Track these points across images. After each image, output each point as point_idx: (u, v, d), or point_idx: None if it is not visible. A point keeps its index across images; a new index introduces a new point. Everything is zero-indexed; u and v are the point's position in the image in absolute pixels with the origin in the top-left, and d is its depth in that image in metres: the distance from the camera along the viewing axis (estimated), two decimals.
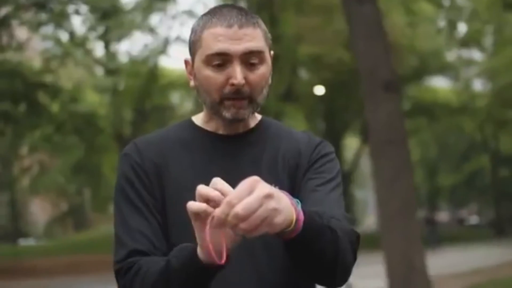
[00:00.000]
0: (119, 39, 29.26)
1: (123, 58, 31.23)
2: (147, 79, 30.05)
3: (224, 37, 1.91)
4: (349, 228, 1.88)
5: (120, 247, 1.91)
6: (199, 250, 1.68)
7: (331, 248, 1.75)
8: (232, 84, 1.91)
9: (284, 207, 1.56)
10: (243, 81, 1.91)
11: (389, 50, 10.18)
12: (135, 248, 1.88)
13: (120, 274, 1.87)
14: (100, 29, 28.02)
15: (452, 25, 27.41)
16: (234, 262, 1.76)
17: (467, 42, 32.27)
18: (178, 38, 30.72)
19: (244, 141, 2.03)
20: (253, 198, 1.49)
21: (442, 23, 28.21)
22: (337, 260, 1.78)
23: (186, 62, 2.06)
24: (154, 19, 43.06)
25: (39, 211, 51.56)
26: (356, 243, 1.89)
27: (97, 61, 29.96)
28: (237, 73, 1.90)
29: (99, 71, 31.28)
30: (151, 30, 30.08)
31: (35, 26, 26.59)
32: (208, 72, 1.95)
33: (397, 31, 25.00)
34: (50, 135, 29.17)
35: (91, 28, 28.03)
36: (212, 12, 1.98)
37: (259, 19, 2.00)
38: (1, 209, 48.86)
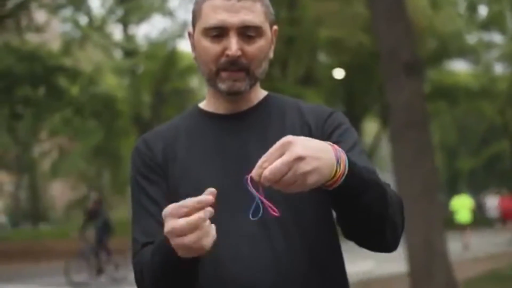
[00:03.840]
0: (138, 22, 29.27)
1: (141, 42, 31.25)
2: (165, 62, 30.05)
3: (221, 9, 1.90)
4: (394, 191, 1.84)
5: (133, 243, 1.94)
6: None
7: (380, 204, 1.72)
8: (228, 55, 1.90)
9: (321, 165, 1.56)
10: (238, 53, 1.90)
11: (410, 32, 10.07)
12: (145, 242, 1.90)
13: (135, 270, 1.90)
14: (119, 12, 28.02)
15: (473, 8, 27.19)
16: (251, 246, 1.82)
17: (488, 25, 32.01)
18: None
19: (247, 119, 2.00)
20: (281, 162, 1.52)
21: (463, 5, 27.99)
22: (386, 218, 1.75)
23: (189, 34, 2.05)
24: (173, 2, 42.98)
25: (59, 194, 51.80)
26: (403, 207, 1.86)
27: (116, 44, 29.96)
28: (233, 44, 1.89)
29: (118, 54, 31.30)
30: (170, 13, 30.07)
31: (54, 9, 26.63)
32: (205, 43, 1.94)
33: (418, 12, 24.79)
34: (70, 118, 29.26)
35: (110, 11, 28.04)
36: None
37: None
38: (21, 193, 49.19)
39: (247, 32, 1.91)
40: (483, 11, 30.34)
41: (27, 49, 24.12)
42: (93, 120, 30.59)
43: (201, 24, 1.95)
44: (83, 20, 28.31)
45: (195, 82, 36.32)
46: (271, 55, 2.02)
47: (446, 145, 48.81)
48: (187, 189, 1.89)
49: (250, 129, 1.97)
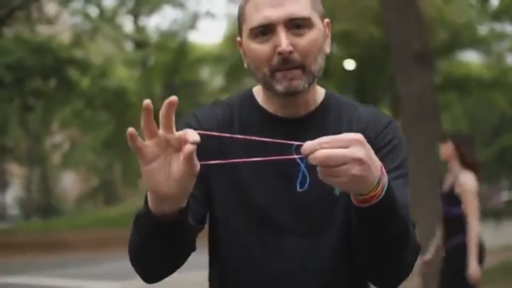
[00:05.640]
0: (149, 13, 29.26)
1: (152, 33, 31.26)
2: (176, 54, 30.05)
3: (264, 6, 1.80)
4: (415, 234, 1.80)
5: None
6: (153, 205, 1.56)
7: (397, 241, 1.69)
8: (279, 53, 1.78)
9: (369, 177, 1.51)
10: (289, 48, 1.77)
11: (421, 23, 10.04)
12: None
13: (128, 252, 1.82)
14: (130, 3, 28.02)
15: None
16: (298, 264, 1.83)
17: (499, 15, 31.83)
18: (207, 13, 30.67)
19: (305, 124, 1.89)
20: (343, 154, 1.46)
21: None
22: (397, 255, 1.72)
23: (238, 42, 1.94)
24: None
25: (70, 186, 51.99)
26: (418, 254, 1.82)
27: (127, 36, 29.98)
28: (282, 39, 1.77)
29: (129, 46, 31.32)
30: (180, 5, 30.06)
31: (64, 1, 26.65)
32: (254, 46, 1.83)
33: (429, 3, 24.70)
34: (81, 110, 29.31)
35: (121, 3, 28.04)
36: None
37: None
38: (33, 185, 49.36)
39: (295, 25, 1.80)
40: (494, 1, 30.15)
41: (38, 41, 24.15)
42: (104, 112, 30.66)
43: (247, 27, 1.84)
44: (93, 12, 28.32)
45: (206, 73, 36.34)
46: (328, 50, 1.92)
47: None
48: (227, 190, 1.88)
49: (306, 135, 1.73)
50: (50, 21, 25.47)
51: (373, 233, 1.66)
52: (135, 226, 1.65)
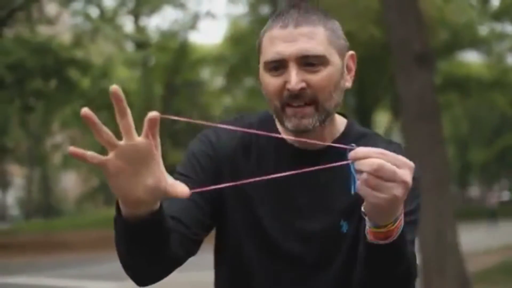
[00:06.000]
0: (149, 13, 29.28)
1: (153, 34, 31.27)
2: (177, 54, 30.07)
3: (278, 40, 1.75)
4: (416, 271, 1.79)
5: None
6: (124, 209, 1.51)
7: (399, 282, 1.69)
8: (288, 89, 1.73)
9: (397, 209, 1.50)
10: (298, 86, 1.72)
11: (421, 23, 10.03)
12: None
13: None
14: (130, 4, 28.03)
15: None
16: (280, 286, 1.85)
17: (500, 15, 31.83)
18: (208, 13, 30.69)
19: (321, 156, 1.80)
20: (394, 170, 1.43)
21: None
22: None
23: (259, 68, 1.88)
24: None
25: (71, 186, 51.99)
26: None
27: (127, 36, 30.02)
28: (292, 77, 1.72)
29: (129, 46, 31.34)
30: (181, 5, 30.07)
31: (65, 2, 26.66)
32: (267, 78, 1.79)
33: (430, 3, 24.71)
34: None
35: (121, 3, 28.05)
36: (276, 13, 1.83)
37: (327, 17, 1.83)
38: (33, 185, 49.37)
39: (308, 62, 1.74)
40: (495, 1, 30.17)
41: (38, 41, 24.16)
42: (104, 113, 30.67)
43: (262, 59, 1.80)
44: (94, 12, 28.34)
45: (206, 73, 36.36)
46: (348, 84, 1.85)
47: (457, 137, 48.70)
48: (238, 209, 1.87)
49: (316, 175, 1.70)
50: (50, 21, 25.48)
51: (380, 272, 1.66)
52: (114, 229, 1.62)
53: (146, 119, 1.33)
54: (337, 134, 1.89)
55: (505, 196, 56.15)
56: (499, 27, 34.68)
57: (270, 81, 1.77)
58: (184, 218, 1.75)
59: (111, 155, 1.38)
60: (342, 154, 1.60)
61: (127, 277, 1.75)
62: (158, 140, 1.38)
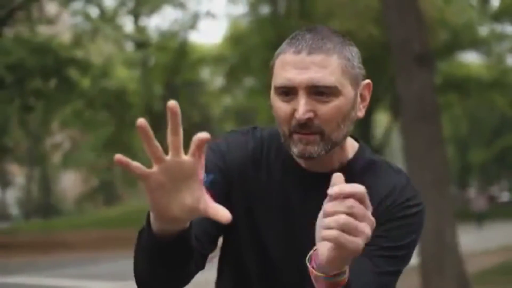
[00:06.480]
0: (149, 13, 29.29)
1: (153, 34, 31.29)
2: (176, 54, 30.08)
3: (290, 66, 1.71)
4: None
5: None
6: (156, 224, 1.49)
7: None
8: (296, 118, 1.70)
9: (349, 256, 1.43)
10: (306, 116, 1.68)
11: (421, 23, 10.04)
12: None
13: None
14: (130, 4, 28.04)
15: None
16: None
17: (499, 16, 31.85)
18: (207, 13, 30.70)
19: (328, 180, 1.63)
20: (364, 213, 1.38)
21: None
22: None
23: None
24: None
25: (70, 186, 51.99)
26: None
27: (127, 36, 30.03)
28: (300, 106, 1.68)
29: (129, 46, 31.36)
30: (181, 5, 30.08)
31: (65, 1, 26.67)
32: (277, 103, 1.75)
33: (430, 4, 24.72)
34: (81, 111, 29.35)
35: (121, 3, 28.06)
36: (292, 35, 1.78)
37: (344, 44, 1.76)
38: (33, 185, 49.39)
39: (319, 91, 1.69)
40: (495, 2, 30.18)
41: (38, 41, 24.18)
42: (104, 112, 30.69)
43: (273, 82, 1.76)
44: (94, 12, 28.35)
45: (206, 73, 36.37)
46: (359, 114, 1.80)
47: (457, 137, 48.71)
48: (243, 221, 1.85)
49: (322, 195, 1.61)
50: (50, 21, 25.50)
51: None
52: (138, 241, 1.60)
53: (195, 139, 1.31)
54: (347, 159, 1.86)
55: (505, 197, 56.20)
56: (499, 27, 34.70)
57: (280, 107, 1.74)
58: (198, 233, 1.72)
59: (155, 168, 1.34)
60: (347, 175, 1.55)
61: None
62: (203, 161, 1.35)
